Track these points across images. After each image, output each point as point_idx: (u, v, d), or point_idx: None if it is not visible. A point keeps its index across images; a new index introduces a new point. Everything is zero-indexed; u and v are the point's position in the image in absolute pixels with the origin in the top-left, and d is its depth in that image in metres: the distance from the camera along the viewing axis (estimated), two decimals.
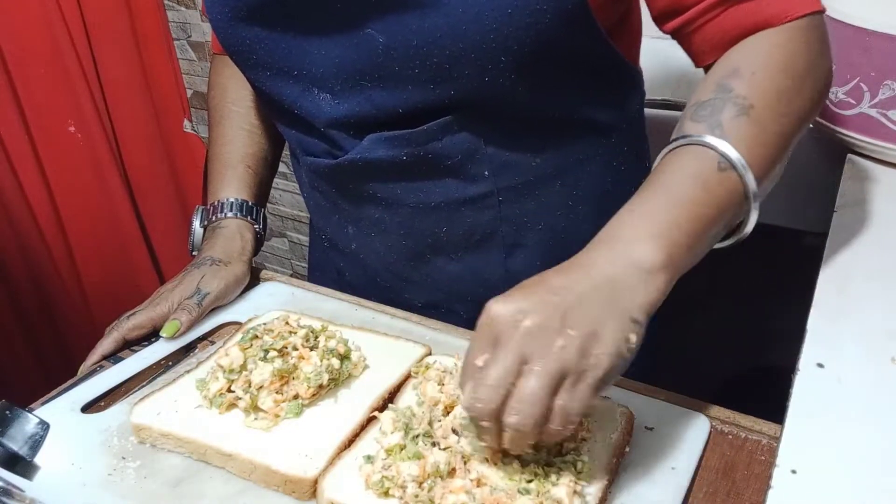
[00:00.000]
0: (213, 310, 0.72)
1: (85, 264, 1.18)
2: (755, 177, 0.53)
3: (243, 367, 0.58)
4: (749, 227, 0.56)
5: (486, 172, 0.68)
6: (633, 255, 0.48)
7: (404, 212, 0.70)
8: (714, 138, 0.53)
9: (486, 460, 0.49)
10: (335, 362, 0.59)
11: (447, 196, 0.69)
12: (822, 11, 0.61)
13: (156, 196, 1.34)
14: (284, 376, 0.57)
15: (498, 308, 0.46)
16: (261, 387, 0.56)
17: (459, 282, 0.74)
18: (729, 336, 1.64)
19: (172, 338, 0.69)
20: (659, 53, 1.44)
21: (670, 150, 0.55)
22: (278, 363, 0.57)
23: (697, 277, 1.54)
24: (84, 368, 0.68)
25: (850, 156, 0.87)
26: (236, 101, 0.84)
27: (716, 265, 1.74)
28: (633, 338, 0.47)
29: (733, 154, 0.52)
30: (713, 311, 1.63)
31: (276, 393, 0.56)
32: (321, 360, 0.58)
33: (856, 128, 0.85)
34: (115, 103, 1.22)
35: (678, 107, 1.33)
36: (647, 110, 1.18)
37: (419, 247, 0.72)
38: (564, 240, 0.72)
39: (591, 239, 0.52)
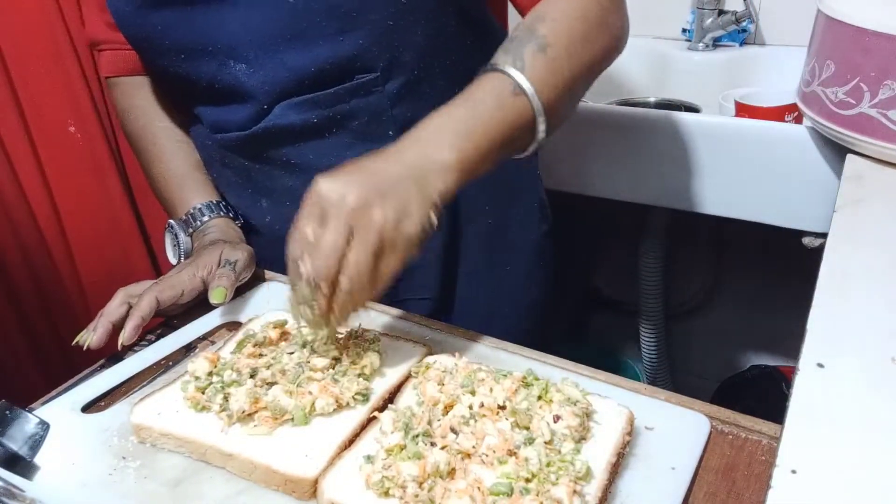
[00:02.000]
0: (213, 310, 0.72)
1: (85, 264, 1.18)
2: (543, 103, 0.62)
3: (211, 374, 0.58)
4: (534, 145, 0.65)
5: (391, 132, 0.74)
6: (433, 153, 0.57)
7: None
8: (513, 69, 0.62)
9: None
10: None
11: (356, 157, 0.72)
12: None
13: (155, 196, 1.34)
14: (258, 399, 0.56)
15: (325, 185, 0.53)
16: (244, 412, 0.55)
17: None
18: (729, 336, 1.64)
19: (222, 304, 0.69)
20: (656, 53, 1.44)
21: (482, 73, 0.64)
22: (249, 384, 0.57)
23: (698, 278, 1.54)
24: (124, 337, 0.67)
25: (849, 156, 0.87)
26: (160, 118, 0.85)
27: (716, 265, 1.74)
28: (433, 215, 0.55)
29: (525, 83, 0.62)
30: (714, 311, 1.64)
31: (263, 409, 0.56)
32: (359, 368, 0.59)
33: (856, 128, 0.85)
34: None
35: (675, 106, 1.33)
36: (643, 109, 1.18)
37: None
38: None
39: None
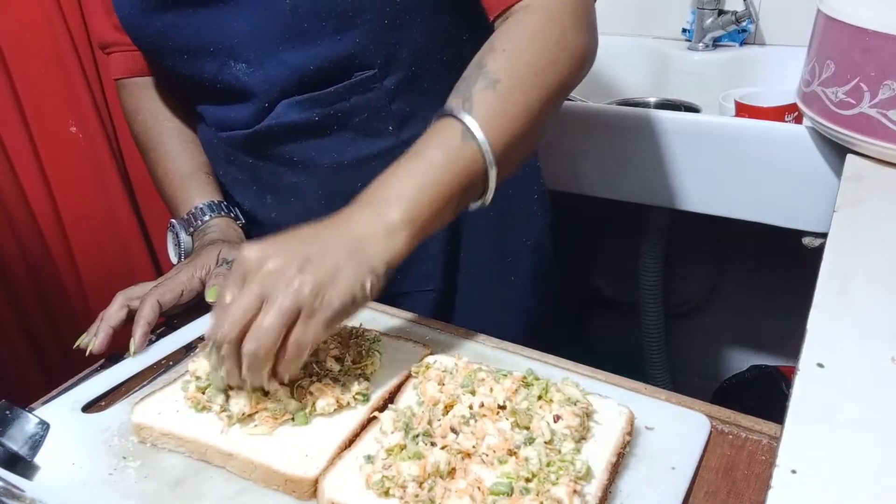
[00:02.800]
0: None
1: (85, 264, 1.18)
2: (495, 146, 0.59)
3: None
4: (489, 194, 0.61)
5: (391, 127, 0.74)
6: (380, 215, 0.55)
7: (320, 173, 0.75)
8: (462, 111, 0.59)
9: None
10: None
11: (357, 153, 0.75)
12: None
13: (157, 197, 1.33)
14: (259, 400, 0.56)
15: (248, 252, 0.53)
16: (244, 414, 0.55)
17: None
18: (729, 336, 1.64)
19: None
20: (656, 54, 1.44)
21: (434, 119, 0.61)
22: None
23: (698, 278, 1.54)
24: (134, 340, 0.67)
25: (849, 156, 0.87)
26: (168, 119, 0.85)
27: (716, 265, 1.74)
28: (368, 285, 0.53)
29: (474, 126, 0.58)
30: (714, 311, 1.64)
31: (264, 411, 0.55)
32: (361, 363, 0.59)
33: (856, 128, 0.85)
34: (116, 104, 1.22)
35: (675, 106, 1.33)
36: (643, 109, 1.18)
37: (337, 207, 0.74)
38: None
39: None
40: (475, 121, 0.58)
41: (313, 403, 0.55)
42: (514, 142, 0.61)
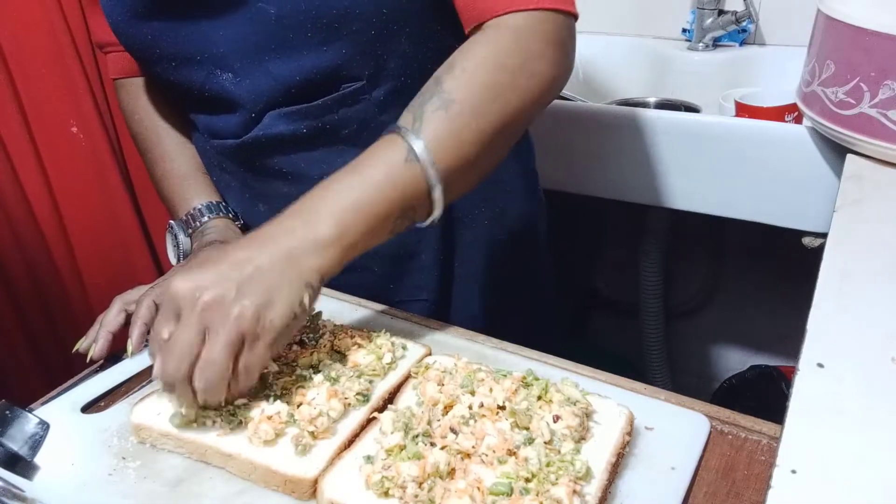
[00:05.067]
0: None
1: (86, 264, 1.18)
2: (442, 168, 0.57)
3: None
4: (436, 215, 0.60)
5: None
6: (310, 230, 0.54)
7: (310, 184, 0.74)
8: (409, 131, 0.57)
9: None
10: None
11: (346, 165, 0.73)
12: (553, 10, 0.63)
13: (158, 197, 1.33)
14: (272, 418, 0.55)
15: (178, 284, 0.52)
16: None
17: None
18: (729, 336, 1.64)
19: None
20: (656, 54, 1.44)
21: (382, 134, 0.59)
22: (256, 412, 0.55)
23: (698, 278, 1.54)
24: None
25: (849, 156, 0.87)
26: (165, 119, 0.85)
27: (716, 265, 1.74)
28: (306, 299, 0.53)
29: (419, 148, 0.57)
30: (714, 311, 1.63)
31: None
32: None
33: (856, 128, 0.85)
34: (118, 104, 1.22)
35: (675, 106, 1.33)
36: (643, 109, 1.18)
37: None
38: None
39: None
40: (422, 142, 0.57)
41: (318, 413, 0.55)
42: (463, 165, 0.59)
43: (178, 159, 0.84)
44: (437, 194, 0.58)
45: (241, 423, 0.55)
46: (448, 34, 0.73)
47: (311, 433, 0.53)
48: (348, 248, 0.55)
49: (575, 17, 0.65)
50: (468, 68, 0.60)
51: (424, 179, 0.57)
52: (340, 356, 0.61)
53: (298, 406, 0.55)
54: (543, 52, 0.62)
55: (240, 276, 0.52)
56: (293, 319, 0.53)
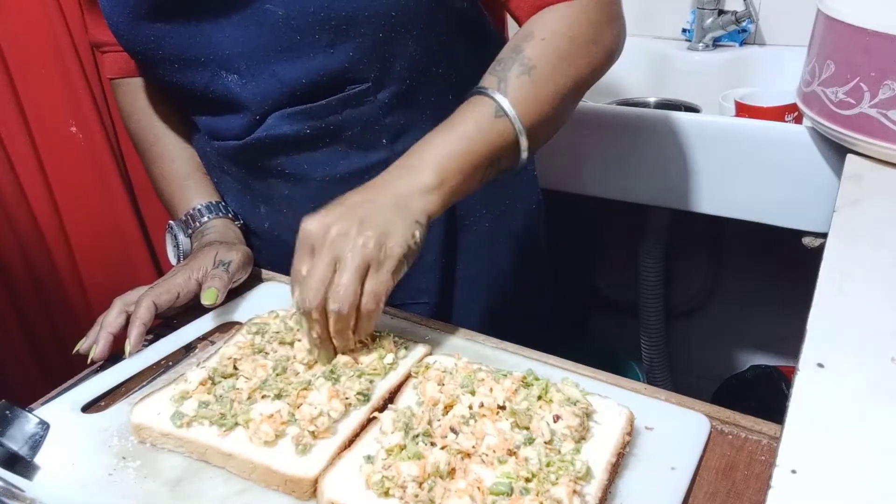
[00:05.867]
0: (213, 310, 0.72)
1: (86, 264, 1.18)
2: (524, 125, 0.65)
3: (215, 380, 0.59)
4: (522, 161, 0.67)
5: (384, 140, 0.75)
6: (415, 179, 0.61)
7: (312, 185, 0.75)
8: (496, 92, 0.64)
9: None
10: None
11: (350, 166, 0.75)
12: None
13: (157, 198, 1.33)
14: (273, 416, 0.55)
15: (309, 224, 0.58)
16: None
17: None
18: (729, 336, 1.64)
19: (214, 306, 0.69)
20: (656, 54, 1.44)
21: (468, 95, 0.66)
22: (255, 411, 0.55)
23: (698, 278, 1.54)
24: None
25: (849, 156, 0.87)
26: (164, 118, 0.85)
27: (716, 265, 1.73)
28: (418, 234, 0.59)
29: (507, 105, 0.64)
30: (714, 311, 1.63)
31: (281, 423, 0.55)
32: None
33: (856, 128, 0.85)
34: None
35: (675, 106, 1.33)
36: (643, 109, 1.18)
37: None
38: None
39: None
40: (508, 100, 0.64)
41: (320, 412, 0.55)
42: (541, 124, 0.66)
43: (176, 160, 0.83)
44: (524, 143, 0.65)
45: (235, 424, 0.55)
46: (456, 39, 0.73)
47: (312, 433, 0.53)
48: (448, 194, 0.61)
49: None
50: (547, 37, 0.66)
51: (513, 131, 0.64)
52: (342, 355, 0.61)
53: (299, 406, 0.55)
54: (606, 22, 0.69)
55: (361, 213, 0.58)
56: (409, 251, 0.58)
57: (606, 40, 0.70)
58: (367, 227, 0.57)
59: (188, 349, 0.69)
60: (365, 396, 0.57)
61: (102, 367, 0.67)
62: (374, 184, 0.62)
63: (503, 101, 0.64)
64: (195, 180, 0.83)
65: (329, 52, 0.68)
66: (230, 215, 0.81)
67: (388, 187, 0.61)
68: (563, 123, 0.71)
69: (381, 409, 0.57)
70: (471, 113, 0.64)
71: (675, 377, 1.64)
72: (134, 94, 0.86)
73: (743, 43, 1.39)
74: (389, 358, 0.61)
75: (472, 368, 0.58)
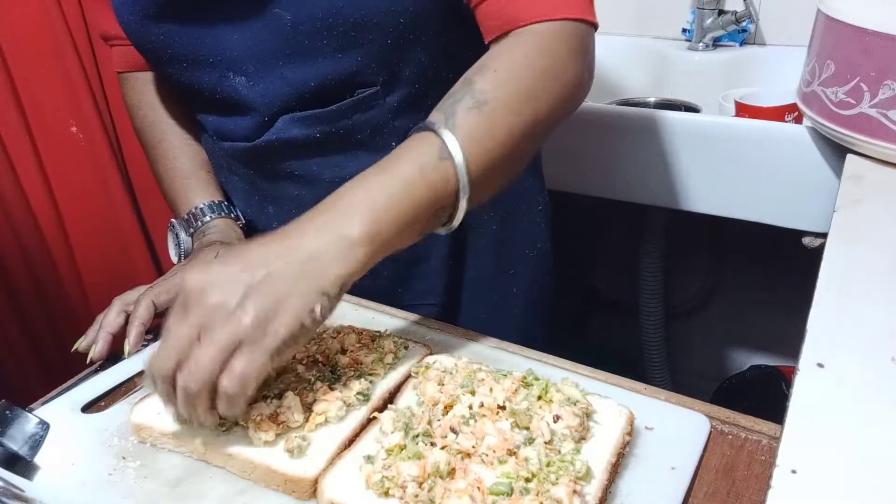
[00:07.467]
0: None
1: (86, 264, 1.18)
2: (472, 169, 0.56)
3: None
4: (457, 220, 0.58)
5: (394, 143, 0.71)
6: (341, 228, 0.52)
7: (321, 187, 0.74)
8: (443, 128, 0.56)
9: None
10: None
11: (360, 167, 0.73)
12: (578, 20, 0.63)
13: (157, 197, 1.33)
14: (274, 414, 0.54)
15: (190, 278, 0.50)
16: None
17: None
18: (729, 336, 1.64)
19: None
20: (656, 54, 1.44)
21: (413, 131, 0.58)
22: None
23: (698, 278, 1.54)
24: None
25: (849, 156, 0.87)
26: (170, 115, 0.85)
27: (716, 265, 1.73)
28: (318, 309, 0.50)
29: (453, 145, 0.55)
30: (714, 311, 1.64)
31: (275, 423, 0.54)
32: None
33: (856, 128, 0.85)
34: (117, 104, 1.22)
35: (675, 106, 1.33)
36: (643, 109, 1.18)
37: None
38: None
39: None
40: (456, 140, 0.55)
41: (323, 414, 0.55)
42: (492, 167, 0.58)
43: (181, 157, 0.83)
44: (464, 197, 0.56)
45: (231, 426, 0.55)
46: (465, 43, 0.72)
47: (301, 437, 0.53)
48: (379, 248, 0.53)
49: (596, 27, 0.65)
50: (500, 70, 0.59)
51: (455, 179, 0.55)
52: (343, 355, 0.61)
53: (303, 405, 0.55)
54: (570, 59, 0.62)
55: (250, 280, 0.49)
56: (300, 329, 0.50)
57: (570, 77, 0.62)
58: (252, 300, 0.49)
59: None
60: (365, 396, 0.57)
61: (102, 367, 0.67)
62: (288, 232, 0.52)
63: (450, 138, 0.55)
64: (198, 178, 0.83)
65: (337, 56, 0.67)
66: (232, 215, 0.81)
67: (305, 241, 0.51)
68: (515, 173, 0.64)
69: (381, 409, 0.57)
70: (413, 152, 0.56)
71: (675, 377, 1.64)
72: (142, 90, 0.86)
73: (743, 43, 1.39)
74: (389, 358, 0.61)
75: (472, 368, 0.58)
